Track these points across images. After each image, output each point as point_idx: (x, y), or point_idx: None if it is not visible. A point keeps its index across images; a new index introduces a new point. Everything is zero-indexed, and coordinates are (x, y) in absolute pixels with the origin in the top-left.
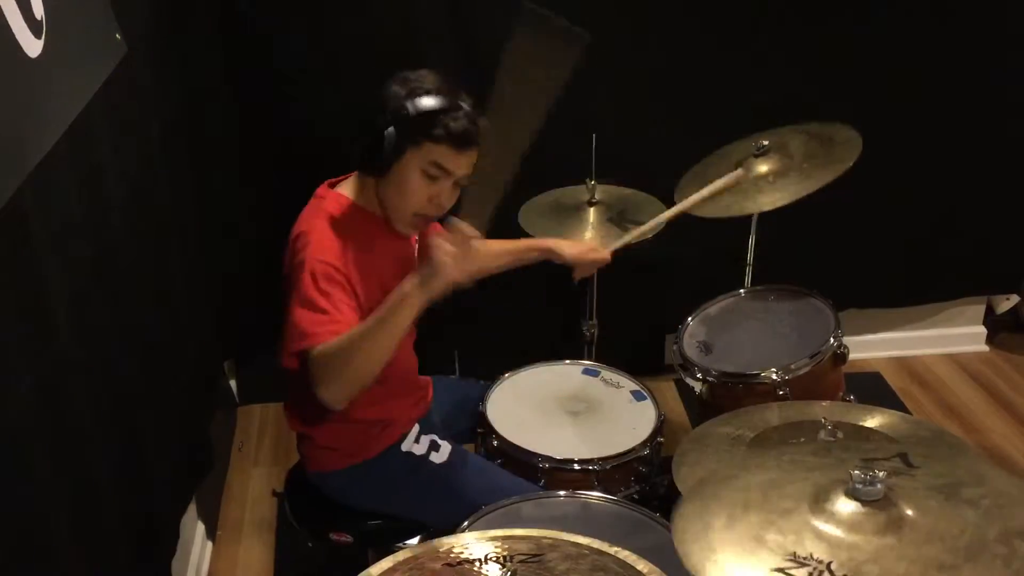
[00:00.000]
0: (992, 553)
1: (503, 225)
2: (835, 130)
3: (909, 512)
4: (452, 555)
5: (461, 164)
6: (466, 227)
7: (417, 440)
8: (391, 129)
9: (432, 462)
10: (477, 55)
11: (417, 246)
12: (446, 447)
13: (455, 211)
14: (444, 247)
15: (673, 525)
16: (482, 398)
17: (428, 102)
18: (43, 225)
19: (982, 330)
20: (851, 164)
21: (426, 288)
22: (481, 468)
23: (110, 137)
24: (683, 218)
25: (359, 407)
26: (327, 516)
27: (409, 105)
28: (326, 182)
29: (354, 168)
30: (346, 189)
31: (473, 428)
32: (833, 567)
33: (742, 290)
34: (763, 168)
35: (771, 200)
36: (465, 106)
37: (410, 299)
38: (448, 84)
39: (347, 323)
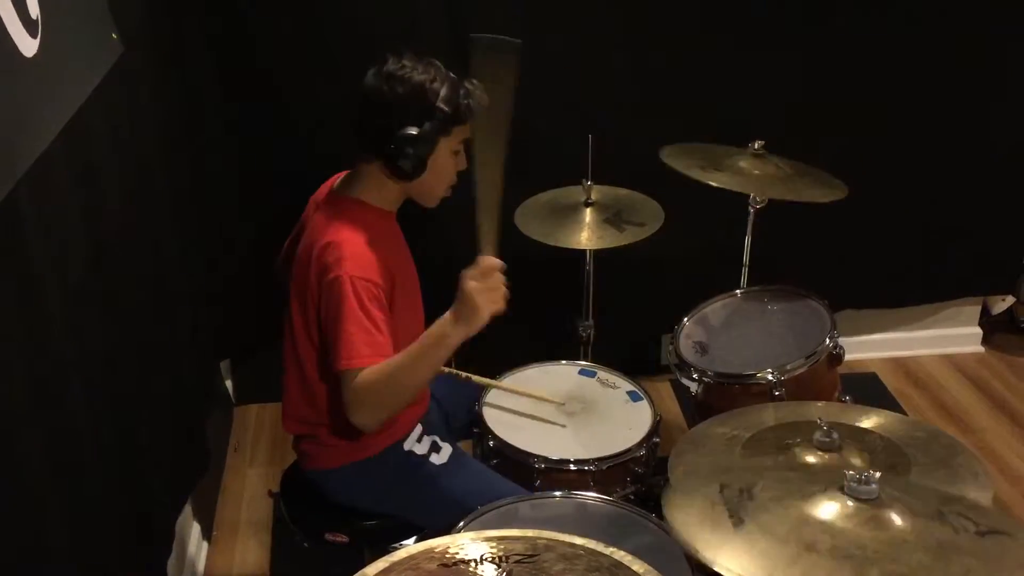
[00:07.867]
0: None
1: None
2: (823, 176)
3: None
4: (448, 555)
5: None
6: (489, 260)
7: (419, 440)
8: (423, 130)
9: (432, 463)
10: None
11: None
12: (447, 449)
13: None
14: (477, 287)
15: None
16: (479, 398)
17: (446, 92)
18: (38, 225)
19: (978, 331)
20: (826, 202)
21: (465, 327)
22: (479, 472)
23: (106, 136)
24: (679, 217)
25: None
26: (323, 516)
27: (439, 103)
28: (330, 188)
29: (356, 165)
30: (357, 193)
31: (469, 426)
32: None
33: (738, 291)
34: (751, 165)
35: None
36: (454, 77)
37: (449, 339)
38: (423, 60)
39: (389, 343)
